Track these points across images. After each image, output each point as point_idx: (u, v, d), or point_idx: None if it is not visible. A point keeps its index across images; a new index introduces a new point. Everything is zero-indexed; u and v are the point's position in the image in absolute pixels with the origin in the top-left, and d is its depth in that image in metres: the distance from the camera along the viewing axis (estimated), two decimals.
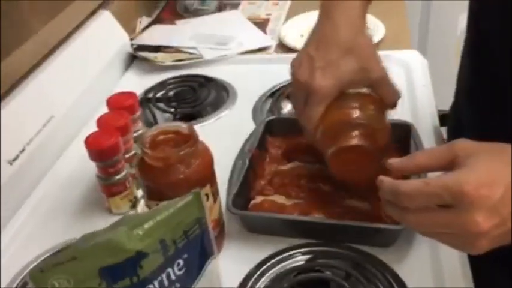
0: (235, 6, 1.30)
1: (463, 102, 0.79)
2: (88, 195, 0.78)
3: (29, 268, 0.66)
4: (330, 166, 0.64)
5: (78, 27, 0.98)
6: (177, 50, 1.10)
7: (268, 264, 0.63)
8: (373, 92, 0.64)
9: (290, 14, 1.22)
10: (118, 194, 0.72)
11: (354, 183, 0.67)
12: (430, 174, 0.54)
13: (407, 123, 0.76)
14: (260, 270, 0.62)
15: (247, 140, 0.76)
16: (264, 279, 0.61)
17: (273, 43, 1.12)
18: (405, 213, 0.48)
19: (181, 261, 0.47)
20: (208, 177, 0.61)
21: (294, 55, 0.66)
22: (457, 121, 0.81)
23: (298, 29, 1.09)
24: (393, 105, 0.65)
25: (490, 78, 0.68)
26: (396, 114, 0.85)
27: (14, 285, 0.65)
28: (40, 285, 0.42)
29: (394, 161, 0.53)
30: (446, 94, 0.89)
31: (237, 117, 0.92)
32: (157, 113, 0.95)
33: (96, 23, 1.02)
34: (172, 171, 0.58)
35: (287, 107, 0.90)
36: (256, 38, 1.14)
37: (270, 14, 1.24)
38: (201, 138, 0.60)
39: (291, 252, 0.64)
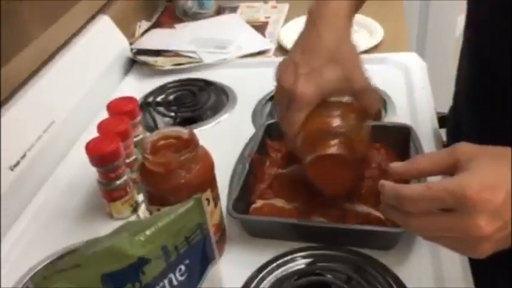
0: (233, 9, 1.30)
1: (462, 104, 0.79)
2: (89, 201, 0.78)
3: (31, 274, 0.66)
4: (308, 173, 0.65)
5: (77, 32, 0.98)
6: (177, 54, 1.10)
7: (269, 268, 0.63)
8: (355, 101, 0.64)
9: (289, 17, 1.22)
10: (119, 199, 0.72)
11: (330, 191, 0.67)
12: (430, 179, 0.54)
13: (407, 126, 0.76)
14: (261, 274, 0.62)
15: (247, 144, 0.77)
16: (265, 283, 0.61)
17: (272, 46, 1.12)
18: (408, 218, 0.49)
19: (183, 267, 0.47)
20: (208, 182, 0.61)
21: None
22: (456, 123, 0.81)
23: (297, 32, 1.09)
24: (375, 115, 0.65)
25: (490, 78, 0.68)
26: (395, 117, 0.86)
27: None
28: None
29: (396, 165, 0.53)
30: (445, 96, 0.89)
31: (236, 121, 0.92)
32: (158, 117, 0.95)
33: (96, 27, 1.02)
34: (173, 177, 0.58)
35: None
36: (255, 42, 1.14)
37: (268, 17, 1.25)
38: (201, 142, 0.60)
39: (291, 256, 0.64)
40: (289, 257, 0.64)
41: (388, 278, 0.60)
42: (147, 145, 0.60)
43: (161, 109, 0.96)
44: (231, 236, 0.68)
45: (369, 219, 0.65)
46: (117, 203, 0.73)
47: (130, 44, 1.13)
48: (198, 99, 0.98)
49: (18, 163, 0.75)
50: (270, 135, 0.79)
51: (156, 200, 0.60)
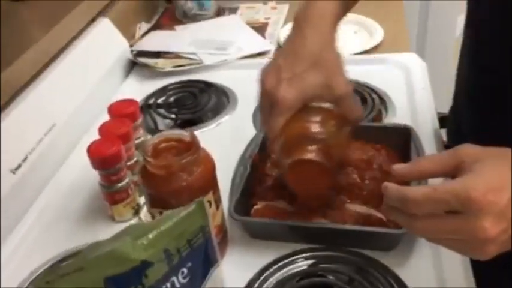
0: (233, 10, 1.30)
1: (462, 104, 0.79)
2: (90, 203, 0.78)
3: (32, 277, 0.66)
4: (286, 177, 0.65)
5: (77, 35, 0.98)
6: (177, 55, 1.11)
7: (271, 269, 0.63)
8: (336, 108, 0.64)
9: (289, 18, 1.22)
10: (121, 201, 0.73)
11: (307, 196, 0.67)
12: (431, 181, 0.54)
13: (407, 126, 0.76)
14: (263, 276, 0.62)
15: (248, 146, 0.77)
16: (267, 285, 0.61)
17: (272, 47, 1.12)
18: (412, 220, 0.48)
19: (185, 270, 0.48)
20: (210, 184, 0.62)
21: None
22: (457, 123, 0.81)
23: None
24: (355, 122, 0.65)
25: (490, 78, 0.68)
26: (396, 118, 0.87)
27: None
28: None
29: (398, 167, 0.53)
30: (445, 96, 0.89)
31: (237, 123, 0.92)
32: (158, 119, 0.95)
33: (96, 30, 1.02)
34: (175, 179, 0.58)
35: None
36: (256, 43, 1.14)
37: (268, 18, 1.25)
38: (202, 144, 0.61)
39: (293, 257, 0.64)
40: (291, 259, 0.64)
41: (390, 279, 0.60)
42: (148, 148, 0.60)
43: (162, 111, 0.96)
44: (233, 237, 0.68)
45: (370, 220, 0.65)
46: (119, 206, 0.73)
47: (131, 46, 1.13)
48: (198, 100, 0.98)
49: (19, 166, 0.76)
50: None
51: (157, 203, 0.60)
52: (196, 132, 0.62)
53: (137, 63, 1.10)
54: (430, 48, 1.80)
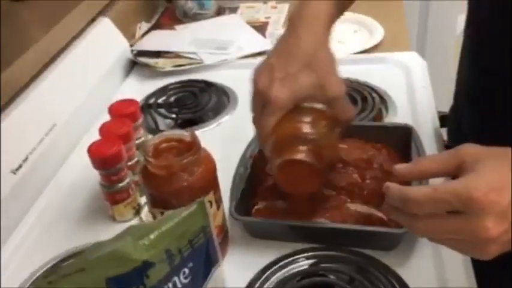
0: (234, 10, 1.30)
1: (462, 104, 0.79)
2: (91, 203, 0.78)
3: (33, 278, 0.66)
4: (276, 177, 0.65)
5: (78, 35, 0.98)
6: (177, 55, 1.11)
7: (272, 269, 0.63)
8: (328, 109, 0.64)
9: None
10: (122, 201, 0.73)
11: (296, 196, 0.67)
12: (432, 181, 0.54)
13: (408, 125, 0.76)
14: (264, 275, 0.62)
15: (249, 145, 0.77)
16: (268, 284, 0.61)
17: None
18: (414, 220, 0.48)
19: (186, 270, 0.48)
20: (211, 184, 0.62)
21: None
22: (457, 122, 0.81)
23: None
24: (346, 123, 0.65)
25: (490, 78, 0.68)
26: (396, 117, 0.87)
27: None
28: None
29: (400, 167, 0.53)
30: (446, 95, 0.89)
31: (238, 122, 0.92)
32: (159, 119, 0.95)
33: (96, 30, 1.02)
34: (175, 179, 0.58)
35: None
36: (256, 42, 1.14)
37: (269, 18, 1.25)
38: (202, 143, 0.61)
39: (294, 257, 0.64)
40: (291, 258, 0.64)
41: (391, 279, 0.60)
42: (149, 148, 0.60)
43: (162, 111, 0.97)
44: (234, 237, 0.68)
45: (371, 219, 0.66)
46: (120, 206, 0.73)
47: (131, 45, 1.13)
48: (199, 100, 0.98)
49: (20, 166, 0.76)
50: None
51: (158, 203, 0.60)
52: (196, 132, 0.62)
53: (137, 63, 1.10)
54: (430, 47, 1.80)
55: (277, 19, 1.23)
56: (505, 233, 0.45)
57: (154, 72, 1.07)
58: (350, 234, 0.65)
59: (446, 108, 0.88)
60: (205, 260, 0.50)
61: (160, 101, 1.00)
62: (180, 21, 1.26)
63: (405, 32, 1.14)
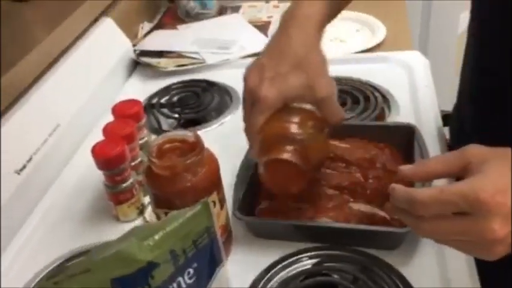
0: (236, 9, 1.30)
1: (465, 103, 0.79)
2: (95, 203, 0.78)
3: (38, 278, 0.67)
4: (261, 175, 0.65)
5: (80, 35, 0.98)
6: (180, 55, 1.11)
7: (276, 268, 0.63)
8: (317, 110, 0.64)
9: None
10: (125, 201, 0.73)
11: (282, 195, 0.68)
12: (435, 182, 0.54)
13: (411, 125, 0.76)
14: (268, 275, 0.62)
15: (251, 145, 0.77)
16: (272, 284, 0.62)
17: None
18: (420, 222, 0.48)
19: (191, 270, 0.48)
20: (214, 184, 0.62)
21: None
22: (460, 122, 0.81)
23: None
24: (335, 125, 0.65)
25: (490, 79, 0.68)
26: (399, 116, 0.87)
27: None
28: None
29: (405, 168, 0.53)
30: (448, 94, 0.89)
31: (240, 122, 0.92)
32: (162, 119, 0.95)
33: (99, 30, 1.02)
34: (179, 180, 0.58)
35: None
36: (258, 42, 1.14)
37: (271, 17, 1.25)
38: (205, 143, 0.61)
39: (298, 257, 0.64)
40: (295, 258, 0.64)
41: (394, 278, 0.60)
42: (153, 149, 0.60)
43: (165, 111, 0.97)
44: (237, 236, 0.69)
45: (374, 219, 0.66)
46: (124, 206, 0.73)
47: (133, 45, 1.13)
48: (201, 100, 0.98)
49: (24, 167, 0.76)
50: None
51: (162, 203, 0.61)
52: (199, 132, 0.62)
53: (140, 63, 1.10)
54: (433, 46, 1.80)
55: (279, 18, 1.23)
56: (511, 234, 0.45)
57: (156, 72, 1.08)
58: (353, 234, 0.65)
59: (448, 107, 0.88)
60: (209, 260, 0.50)
61: (163, 101, 1.00)
62: (182, 21, 1.26)
63: (407, 31, 1.14)
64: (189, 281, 0.48)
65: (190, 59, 1.09)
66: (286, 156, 0.61)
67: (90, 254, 0.44)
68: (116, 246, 0.44)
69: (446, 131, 0.85)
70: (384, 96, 0.91)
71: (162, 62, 1.09)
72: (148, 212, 0.75)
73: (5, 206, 0.71)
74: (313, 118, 0.64)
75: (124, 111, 0.77)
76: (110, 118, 0.77)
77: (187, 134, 0.62)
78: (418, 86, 0.93)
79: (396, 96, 0.91)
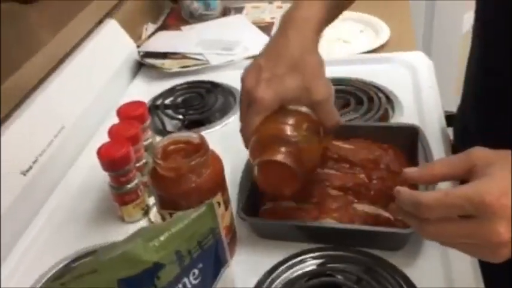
0: (239, 10, 1.31)
1: (469, 104, 0.79)
2: (100, 204, 0.79)
3: (45, 279, 0.67)
4: (255, 176, 0.65)
5: (85, 37, 0.99)
6: (184, 56, 1.11)
7: (280, 269, 0.63)
8: (313, 113, 0.64)
9: None
10: (130, 202, 0.73)
11: (275, 196, 0.68)
12: (439, 185, 0.54)
13: (414, 126, 0.76)
14: (272, 276, 0.63)
15: None
16: (276, 285, 0.62)
17: None
18: (425, 225, 0.48)
19: (196, 271, 0.48)
20: (219, 185, 0.62)
21: None
22: (464, 122, 0.81)
23: None
24: (330, 129, 0.65)
25: (495, 79, 0.68)
26: (402, 117, 0.87)
27: None
28: None
29: (410, 171, 0.53)
30: (452, 95, 0.89)
31: None
32: (166, 120, 0.96)
33: (103, 32, 1.03)
34: (184, 181, 0.59)
35: None
36: (262, 42, 1.13)
37: (274, 18, 1.25)
38: (209, 144, 0.61)
39: (302, 257, 0.65)
40: (299, 258, 0.65)
41: (398, 279, 0.60)
42: (157, 150, 0.60)
43: (169, 112, 0.97)
44: (241, 237, 0.69)
45: (378, 220, 0.66)
46: (129, 207, 0.74)
47: (138, 47, 1.14)
48: (206, 101, 0.99)
49: (30, 168, 0.76)
50: None
51: (167, 204, 0.61)
52: (203, 133, 0.62)
53: (144, 64, 1.11)
54: (436, 47, 1.80)
55: None
56: None
57: (161, 74, 1.08)
58: (357, 235, 0.65)
59: (452, 107, 0.88)
60: (214, 260, 0.50)
61: (167, 102, 1.00)
62: (186, 22, 1.27)
63: (411, 32, 1.14)
64: (194, 282, 0.48)
65: (195, 60, 1.10)
66: (279, 157, 0.61)
67: (97, 255, 0.44)
68: (122, 247, 0.44)
69: (450, 131, 0.85)
70: (387, 97, 0.91)
71: (167, 63, 1.09)
72: (153, 213, 0.75)
73: (10, 207, 0.72)
74: (309, 120, 0.64)
75: (129, 113, 0.77)
76: (115, 119, 0.78)
77: (192, 135, 0.62)
78: (421, 86, 0.93)
79: (400, 97, 0.91)
